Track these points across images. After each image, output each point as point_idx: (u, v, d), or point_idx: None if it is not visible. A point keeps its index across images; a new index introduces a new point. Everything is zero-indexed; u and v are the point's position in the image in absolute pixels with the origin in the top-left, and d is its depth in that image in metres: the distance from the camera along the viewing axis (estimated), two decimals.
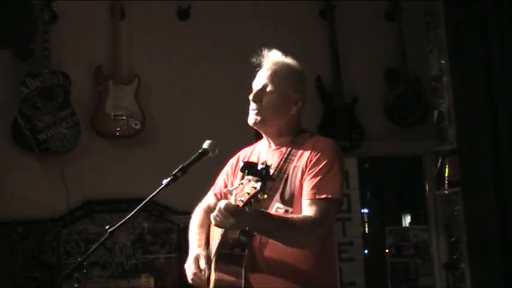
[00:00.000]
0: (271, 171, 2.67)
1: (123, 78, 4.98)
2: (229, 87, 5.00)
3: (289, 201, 2.72)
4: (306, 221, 2.59)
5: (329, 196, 2.66)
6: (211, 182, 3.12)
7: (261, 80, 2.87)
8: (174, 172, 2.67)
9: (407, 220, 7.49)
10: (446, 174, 5.24)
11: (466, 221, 4.94)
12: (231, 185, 2.94)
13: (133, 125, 4.92)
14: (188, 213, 3.11)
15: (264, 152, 2.90)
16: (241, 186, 2.36)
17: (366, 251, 7.17)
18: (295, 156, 2.79)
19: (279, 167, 2.77)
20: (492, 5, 4.74)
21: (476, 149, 4.83)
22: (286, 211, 2.71)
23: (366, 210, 7.50)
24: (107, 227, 2.59)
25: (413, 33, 5.56)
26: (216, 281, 2.66)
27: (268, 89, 2.83)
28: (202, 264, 2.77)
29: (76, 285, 2.65)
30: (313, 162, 2.72)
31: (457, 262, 5.28)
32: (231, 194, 2.42)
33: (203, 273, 2.76)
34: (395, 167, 7.26)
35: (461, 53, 4.97)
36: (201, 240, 2.94)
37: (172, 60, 5.12)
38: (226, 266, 2.66)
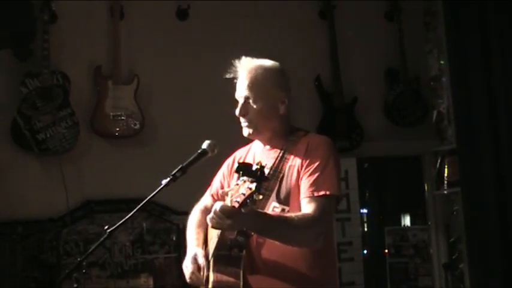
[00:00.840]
0: (267, 171, 2.67)
1: (123, 78, 4.97)
2: (228, 87, 5.00)
3: (286, 200, 2.72)
4: (305, 218, 2.59)
5: (327, 192, 2.67)
6: (210, 182, 3.13)
7: (241, 92, 2.84)
8: (173, 172, 2.67)
9: (406, 220, 7.47)
10: (446, 174, 5.25)
11: (465, 221, 4.95)
12: (228, 186, 2.95)
13: (132, 125, 4.92)
14: (187, 214, 3.11)
15: (259, 152, 2.91)
16: (236, 187, 2.36)
17: (365, 251, 7.15)
18: (290, 155, 2.79)
19: (275, 166, 2.78)
20: (492, 5, 4.74)
21: (476, 149, 4.83)
22: (283, 210, 2.71)
23: (365, 210, 7.48)
24: (106, 227, 2.59)
25: (412, 34, 5.56)
26: (214, 282, 2.66)
27: (251, 99, 2.81)
28: (201, 260, 2.77)
29: (75, 285, 2.65)
30: (308, 160, 2.73)
31: (457, 262, 5.28)
32: (227, 195, 2.41)
33: (201, 271, 2.76)
34: (395, 167, 7.25)
35: (460, 53, 4.98)
36: (198, 239, 2.94)
37: (172, 60, 5.12)
38: (224, 267, 2.66)
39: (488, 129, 4.76)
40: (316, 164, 2.71)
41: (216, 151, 2.81)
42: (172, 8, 5.19)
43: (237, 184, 2.37)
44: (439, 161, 5.34)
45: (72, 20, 5.01)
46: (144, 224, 4.94)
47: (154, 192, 2.66)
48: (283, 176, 2.75)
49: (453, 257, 5.32)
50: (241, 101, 2.84)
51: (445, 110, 5.41)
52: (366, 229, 7.42)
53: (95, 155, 4.96)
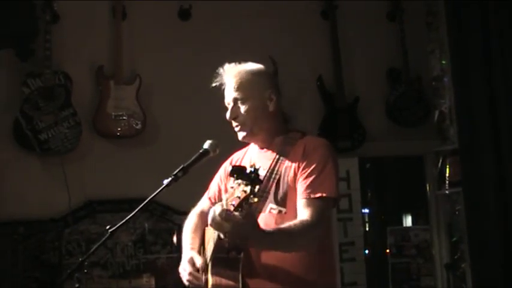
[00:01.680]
0: (263, 172, 2.68)
1: (125, 78, 4.98)
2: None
3: (283, 201, 2.73)
4: (303, 225, 2.58)
5: (324, 194, 2.66)
6: (211, 182, 3.12)
7: (229, 96, 2.88)
8: (175, 172, 2.67)
9: (408, 220, 7.47)
10: (448, 174, 5.24)
11: (467, 221, 4.94)
12: (225, 189, 2.95)
13: (134, 125, 4.92)
14: (189, 214, 3.12)
15: (256, 154, 2.91)
16: (231, 190, 2.36)
17: (367, 251, 7.15)
18: (287, 156, 2.79)
19: (271, 168, 2.78)
20: (493, 5, 4.73)
21: (478, 149, 4.83)
22: (280, 211, 2.71)
23: (367, 210, 7.47)
24: (108, 227, 2.60)
25: (414, 34, 5.55)
26: (213, 285, 2.65)
27: (240, 101, 2.84)
28: (198, 262, 2.77)
29: (77, 285, 2.65)
30: (306, 162, 2.72)
31: (459, 262, 5.28)
32: (223, 199, 2.41)
33: (200, 273, 2.76)
34: (397, 167, 7.25)
35: (462, 53, 4.97)
36: (194, 244, 2.94)
37: (174, 60, 5.12)
38: (223, 270, 2.66)
39: (490, 129, 4.75)
40: (314, 165, 2.71)
41: (217, 151, 2.82)
42: (174, 8, 5.19)
43: (232, 187, 2.36)
44: (440, 161, 5.33)
45: (74, 20, 5.02)
46: (146, 224, 4.94)
47: (156, 192, 2.66)
48: (279, 178, 2.75)
49: (455, 257, 5.32)
50: (230, 105, 2.87)
51: (447, 110, 5.40)
52: (367, 229, 7.42)
53: (96, 155, 4.96)
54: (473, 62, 4.89)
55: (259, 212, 2.71)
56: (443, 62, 5.43)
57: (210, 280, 2.67)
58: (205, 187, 3.15)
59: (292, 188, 2.71)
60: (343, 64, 5.38)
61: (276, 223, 2.68)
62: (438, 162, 5.36)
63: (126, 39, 5.05)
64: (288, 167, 2.75)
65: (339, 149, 5.25)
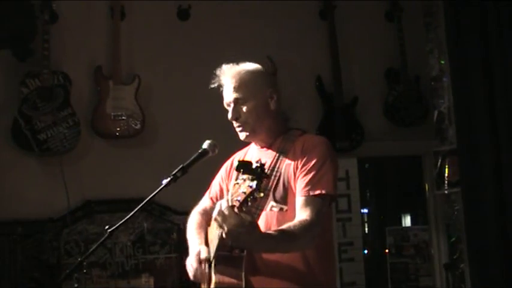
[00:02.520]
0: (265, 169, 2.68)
1: (123, 78, 4.98)
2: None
3: (283, 199, 2.73)
4: (302, 226, 2.58)
5: (323, 192, 2.66)
6: (211, 182, 3.13)
7: (229, 96, 2.86)
8: (174, 172, 2.68)
9: (407, 220, 7.49)
10: (446, 174, 5.24)
11: (465, 221, 4.94)
12: (227, 189, 2.96)
13: (133, 125, 4.92)
14: (188, 214, 3.11)
15: (256, 153, 2.90)
16: (236, 186, 2.36)
17: (366, 251, 7.17)
18: (287, 154, 2.79)
19: (272, 165, 2.78)
20: (492, 5, 4.74)
21: (476, 149, 4.83)
22: (281, 209, 2.72)
23: (366, 210, 7.50)
24: (107, 227, 2.60)
25: (413, 34, 5.56)
26: (216, 283, 2.65)
27: (241, 100, 2.83)
28: (203, 254, 2.77)
29: (76, 285, 2.65)
30: (305, 159, 2.73)
31: (457, 262, 5.28)
32: (227, 195, 2.41)
33: (203, 266, 2.76)
34: (395, 167, 7.27)
35: (461, 53, 4.97)
36: (201, 238, 2.94)
37: (173, 60, 5.12)
38: (226, 267, 2.65)
39: (489, 129, 4.76)
40: (313, 163, 2.71)
41: (216, 151, 2.82)
42: (173, 8, 5.19)
43: (237, 183, 2.36)
44: (439, 161, 5.33)
45: (72, 20, 5.02)
46: (145, 224, 4.94)
47: (155, 192, 2.66)
48: (280, 175, 2.75)
49: (454, 257, 5.32)
50: (231, 105, 2.85)
51: (446, 110, 5.41)
52: (366, 229, 7.43)
53: (95, 155, 4.96)
54: (472, 62, 4.89)
55: (261, 209, 2.71)
56: (442, 62, 5.43)
57: (214, 278, 2.67)
58: (204, 187, 3.14)
59: (292, 185, 2.72)
60: (341, 64, 5.38)
61: (278, 221, 2.69)
62: (437, 163, 5.36)
63: (125, 39, 5.05)
64: (288, 164, 2.76)
65: (337, 149, 5.25)
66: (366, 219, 7.51)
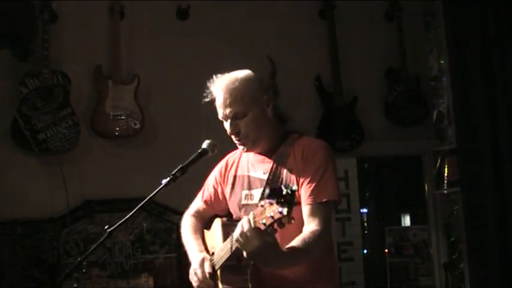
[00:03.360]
0: (265, 176, 2.69)
1: (123, 78, 4.97)
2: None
3: None
4: (316, 237, 2.57)
5: (329, 199, 2.66)
6: (205, 183, 3.12)
7: (225, 111, 2.76)
8: (173, 172, 2.68)
9: (406, 220, 7.49)
10: (446, 174, 5.24)
11: (465, 221, 4.94)
12: (222, 193, 2.96)
13: (132, 125, 4.92)
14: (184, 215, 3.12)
15: (252, 156, 2.87)
16: (260, 208, 2.26)
17: (366, 251, 7.17)
18: (287, 159, 2.76)
19: (273, 171, 2.76)
20: (492, 4, 4.73)
21: (476, 149, 4.83)
22: None
23: (365, 210, 7.50)
24: (106, 226, 2.60)
25: (412, 33, 5.56)
26: None
27: (238, 115, 2.74)
28: (207, 268, 2.75)
29: (75, 285, 2.65)
30: (307, 166, 2.70)
31: (457, 262, 5.28)
32: (249, 215, 2.33)
33: (209, 277, 2.75)
34: (395, 167, 7.27)
35: (460, 53, 4.97)
36: (200, 245, 2.93)
37: (172, 60, 5.12)
38: (232, 276, 2.67)
39: (488, 129, 4.76)
40: (315, 169, 2.69)
41: (216, 151, 2.82)
42: (173, 7, 5.19)
43: (262, 205, 2.26)
44: (439, 160, 5.33)
45: (72, 19, 5.01)
46: (144, 224, 4.94)
47: (155, 192, 2.66)
48: (282, 181, 2.73)
49: (453, 257, 5.32)
50: (228, 120, 2.77)
51: (445, 110, 5.41)
52: (366, 229, 7.43)
53: (95, 155, 4.96)
54: (471, 62, 4.89)
55: None
56: (442, 61, 5.43)
57: (220, 287, 2.68)
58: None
59: (293, 184, 2.70)
60: (341, 64, 5.38)
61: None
62: (436, 162, 5.36)
63: (124, 39, 5.05)
64: (289, 169, 2.74)
65: (337, 149, 5.26)
66: (365, 219, 7.51)
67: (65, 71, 4.87)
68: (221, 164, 3.03)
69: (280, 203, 2.19)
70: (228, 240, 2.58)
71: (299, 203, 2.50)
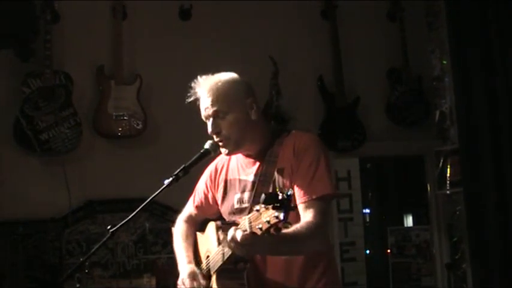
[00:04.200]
0: (253, 177, 2.69)
1: (125, 78, 4.98)
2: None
3: None
4: (309, 227, 2.56)
5: (324, 193, 2.65)
6: (196, 187, 3.11)
7: (207, 110, 2.76)
8: (175, 172, 2.68)
9: (409, 220, 7.48)
10: (448, 174, 5.24)
11: (467, 221, 4.94)
12: (212, 197, 2.95)
13: (135, 125, 4.92)
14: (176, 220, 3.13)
15: (242, 158, 2.86)
16: (256, 213, 2.24)
17: (368, 251, 7.16)
18: (277, 158, 2.73)
19: (263, 171, 2.73)
20: (494, 5, 4.73)
21: (478, 149, 4.83)
22: None
23: (367, 210, 7.49)
24: (109, 227, 2.60)
25: (415, 33, 5.55)
26: None
27: (220, 114, 2.73)
28: (200, 280, 2.77)
29: (78, 285, 2.66)
30: (299, 163, 2.68)
31: (459, 262, 5.28)
32: (244, 220, 2.31)
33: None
34: (397, 167, 7.26)
35: (463, 53, 4.97)
36: (189, 255, 2.94)
37: (174, 60, 5.12)
38: (229, 280, 2.66)
39: (490, 129, 4.75)
40: (307, 166, 2.67)
41: (218, 151, 2.81)
42: (175, 8, 5.19)
43: (257, 210, 2.23)
44: (441, 161, 5.33)
45: (74, 20, 5.02)
46: (147, 224, 4.94)
47: (157, 192, 2.66)
48: (274, 180, 2.71)
49: (456, 257, 5.32)
50: (210, 119, 2.76)
51: (448, 110, 5.40)
52: (368, 229, 7.42)
53: (97, 155, 4.96)
54: (473, 62, 4.88)
55: None
56: (444, 62, 5.43)
57: None
58: None
59: (289, 189, 2.68)
60: (343, 64, 5.38)
61: None
62: (439, 162, 5.35)
63: (127, 39, 5.05)
64: (280, 168, 2.71)
65: (339, 149, 5.26)
66: (367, 219, 7.50)
67: (67, 71, 4.87)
68: (210, 169, 3.00)
69: (277, 208, 2.16)
70: (222, 245, 2.58)
71: (295, 207, 2.47)
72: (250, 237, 2.26)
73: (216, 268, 2.68)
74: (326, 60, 5.42)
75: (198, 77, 2.85)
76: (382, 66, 5.51)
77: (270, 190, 2.67)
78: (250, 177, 2.78)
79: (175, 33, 5.20)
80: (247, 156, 2.83)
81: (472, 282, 5.03)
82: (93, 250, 2.69)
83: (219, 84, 2.77)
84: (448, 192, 5.29)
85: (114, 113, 4.89)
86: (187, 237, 3.02)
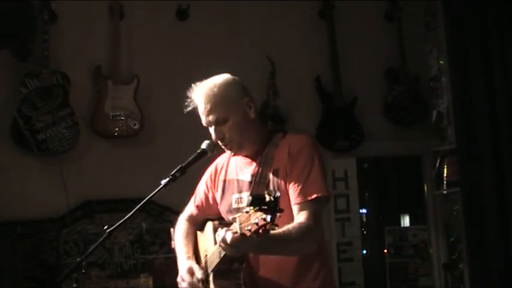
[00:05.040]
0: (249, 178, 2.71)
1: (122, 78, 4.98)
2: None
3: None
4: (301, 229, 2.57)
5: (318, 195, 2.65)
6: (197, 188, 3.12)
7: (208, 117, 2.78)
8: (172, 172, 2.68)
9: (406, 220, 7.48)
10: (445, 174, 5.24)
11: (465, 221, 4.94)
12: (213, 197, 2.97)
13: (132, 125, 4.92)
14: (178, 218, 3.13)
15: (240, 160, 2.88)
16: (246, 215, 2.26)
17: (365, 251, 7.16)
18: (272, 159, 2.76)
19: (259, 173, 2.75)
20: (492, 5, 4.73)
21: (475, 149, 4.83)
22: None
23: (364, 211, 7.48)
24: (106, 227, 2.60)
25: (412, 33, 5.55)
26: None
27: (221, 120, 2.75)
28: (199, 275, 2.76)
29: (75, 285, 2.65)
30: (293, 165, 2.70)
31: (456, 262, 5.28)
32: (235, 221, 2.32)
33: (200, 285, 2.76)
34: (395, 167, 7.26)
35: (460, 53, 4.97)
36: (189, 252, 2.95)
37: (172, 60, 5.12)
38: (225, 279, 2.67)
39: (488, 129, 4.75)
40: (302, 168, 2.69)
41: (215, 151, 2.82)
42: (172, 8, 5.19)
43: (247, 212, 2.25)
44: (438, 161, 5.33)
45: (72, 20, 5.02)
46: (144, 224, 4.94)
47: (154, 192, 2.67)
48: (269, 182, 2.73)
49: (453, 257, 5.32)
50: (212, 126, 2.78)
51: (445, 110, 5.40)
52: (365, 229, 7.42)
53: (94, 155, 4.96)
54: (471, 62, 4.88)
55: None
56: (441, 62, 5.42)
57: None
58: None
59: (284, 191, 2.68)
60: (341, 64, 5.38)
61: None
62: (436, 162, 5.35)
63: (124, 39, 5.05)
64: (275, 170, 2.73)
65: (336, 149, 5.27)
66: (364, 219, 7.50)
67: (65, 71, 4.88)
68: (210, 169, 3.03)
69: (264, 210, 2.19)
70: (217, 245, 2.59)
71: (283, 210, 2.49)
72: (240, 238, 2.28)
73: (212, 267, 2.68)
74: (323, 60, 5.42)
75: (193, 84, 2.87)
76: (380, 66, 5.51)
77: (265, 191, 2.67)
78: (247, 178, 2.80)
79: (173, 33, 5.20)
80: (245, 156, 2.85)
81: (469, 282, 5.03)
82: (90, 250, 2.69)
83: (215, 90, 2.79)
84: (445, 192, 5.29)
85: (111, 113, 4.89)
86: (187, 235, 3.03)
